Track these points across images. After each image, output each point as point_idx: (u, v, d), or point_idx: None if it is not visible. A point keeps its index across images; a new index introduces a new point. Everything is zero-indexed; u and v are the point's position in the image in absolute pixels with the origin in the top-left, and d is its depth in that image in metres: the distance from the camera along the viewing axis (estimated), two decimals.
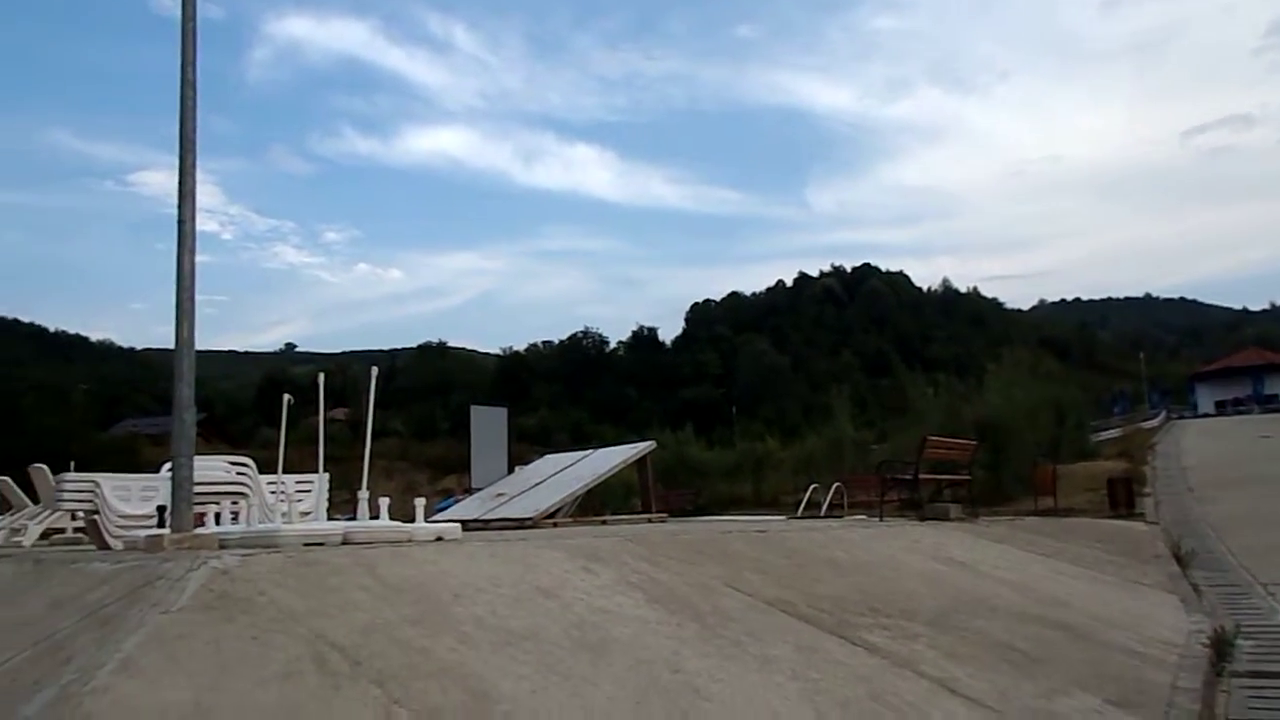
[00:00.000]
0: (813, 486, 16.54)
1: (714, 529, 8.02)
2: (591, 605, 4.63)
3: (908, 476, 11.40)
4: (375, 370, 6.83)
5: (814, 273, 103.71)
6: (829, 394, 33.34)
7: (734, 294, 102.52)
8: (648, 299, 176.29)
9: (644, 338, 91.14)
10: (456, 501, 16.10)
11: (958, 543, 8.77)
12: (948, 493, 12.69)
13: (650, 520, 11.83)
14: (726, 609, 5.02)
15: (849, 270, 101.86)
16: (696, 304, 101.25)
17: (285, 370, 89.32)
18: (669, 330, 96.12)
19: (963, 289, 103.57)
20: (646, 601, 4.86)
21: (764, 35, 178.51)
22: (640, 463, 13.36)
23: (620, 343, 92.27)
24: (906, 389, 26.01)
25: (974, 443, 12.97)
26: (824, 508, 14.88)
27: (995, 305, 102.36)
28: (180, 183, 5.27)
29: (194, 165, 5.26)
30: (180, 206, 5.26)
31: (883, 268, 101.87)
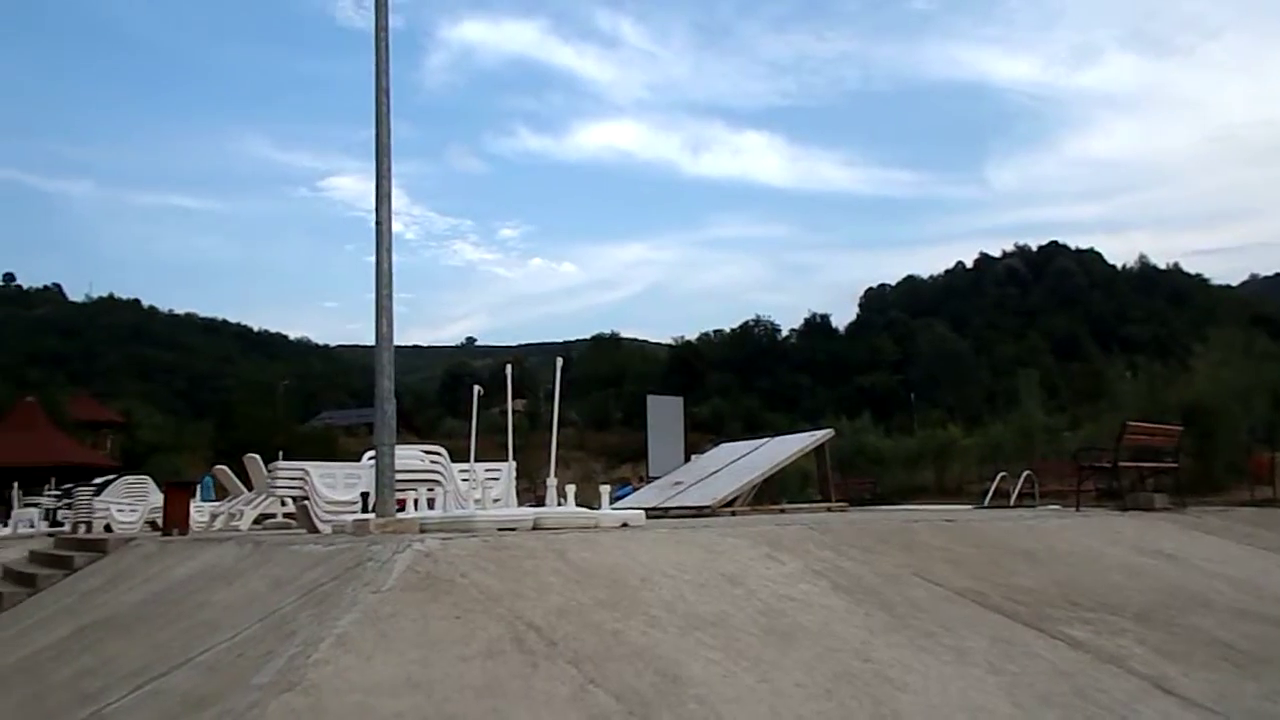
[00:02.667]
0: (1000, 475, 15.86)
1: (898, 518, 7.83)
2: (777, 593, 4.61)
3: (1106, 464, 10.76)
4: (560, 361, 7.03)
5: (996, 253, 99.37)
6: (1015, 379, 31.86)
7: (910, 278, 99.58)
8: (820, 285, 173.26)
9: (816, 324, 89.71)
10: (634, 490, 16.35)
11: (1165, 534, 8.22)
12: (1151, 481, 11.90)
13: (830, 509, 11.66)
14: (916, 599, 4.90)
15: (1034, 249, 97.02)
16: (871, 289, 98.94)
17: (466, 363, 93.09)
18: (842, 316, 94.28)
19: (1162, 265, 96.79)
20: (833, 590, 4.80)
21: (940, 8, 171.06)
22: (818, 451, 13.18)
23: (792, 330, 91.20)
24: (1101, 372, 24.51)
25: (1179, 428, 12.11)
26: (1013, 497, 14.26)
27: (1199, 282, 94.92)
28: (377, 186, 5.57)
29: (389, 169, 5.55)
30: (377, 209, 5.56)
31: (1071, 245, 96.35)
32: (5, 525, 18.50)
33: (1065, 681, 4.12)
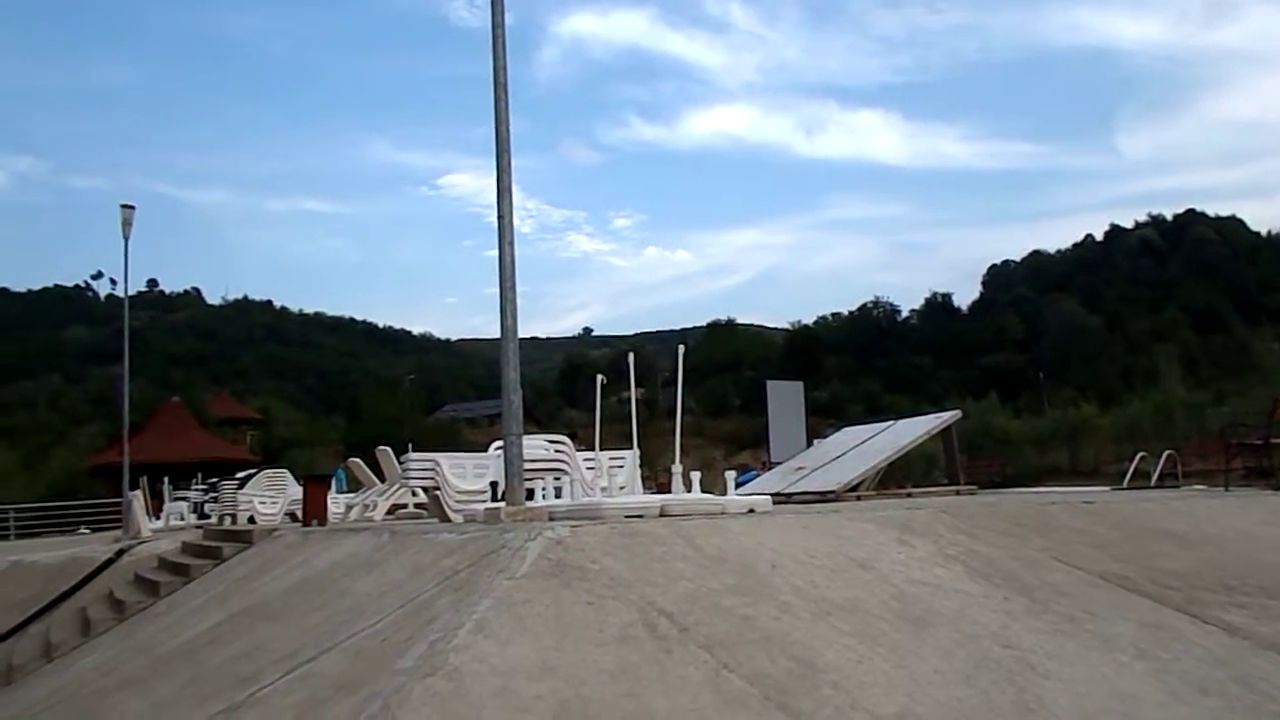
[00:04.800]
0: (1140, 455, 15.15)
1: (1033, 500, 7.57)
2: (910, 577, 4.52)
3: (1257, 441, 10.18)
4: (682, 349, 7.03)
5: (1128, 224, 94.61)
6: (1152, 354, 30.43)
7: (1036, 253, 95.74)
8: (940, 264, 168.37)
9: (937, 304, 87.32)
10: (757, 475, 16.26)
11: None
12: None
13: (958, 493, 11.36)
14: (1056, 583, 4.72)
15: (1169, 218, 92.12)
16: (994, 266, 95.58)
17: (584, 354, 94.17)
18: (964, 295, 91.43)
19: None
20: (968, 575, 4.67)
21: None
22: (944, 433, 12.85)
23: (912, 311, 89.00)
24: (1246, 344, 23.16)
25: None
26: (1154, 478, 13.60)
27: None
28: (498, 181, 5.67)
29: (509, 164, 5.64)
30: (499, 203, 5.65)
31: (1210, 212, 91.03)
32: (157, 518, 19.63)
33: (1223, 669, 3.91)
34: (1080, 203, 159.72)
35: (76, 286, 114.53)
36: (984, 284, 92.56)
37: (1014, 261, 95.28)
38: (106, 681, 5.83)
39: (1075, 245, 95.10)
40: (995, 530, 5.52)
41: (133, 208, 21.73)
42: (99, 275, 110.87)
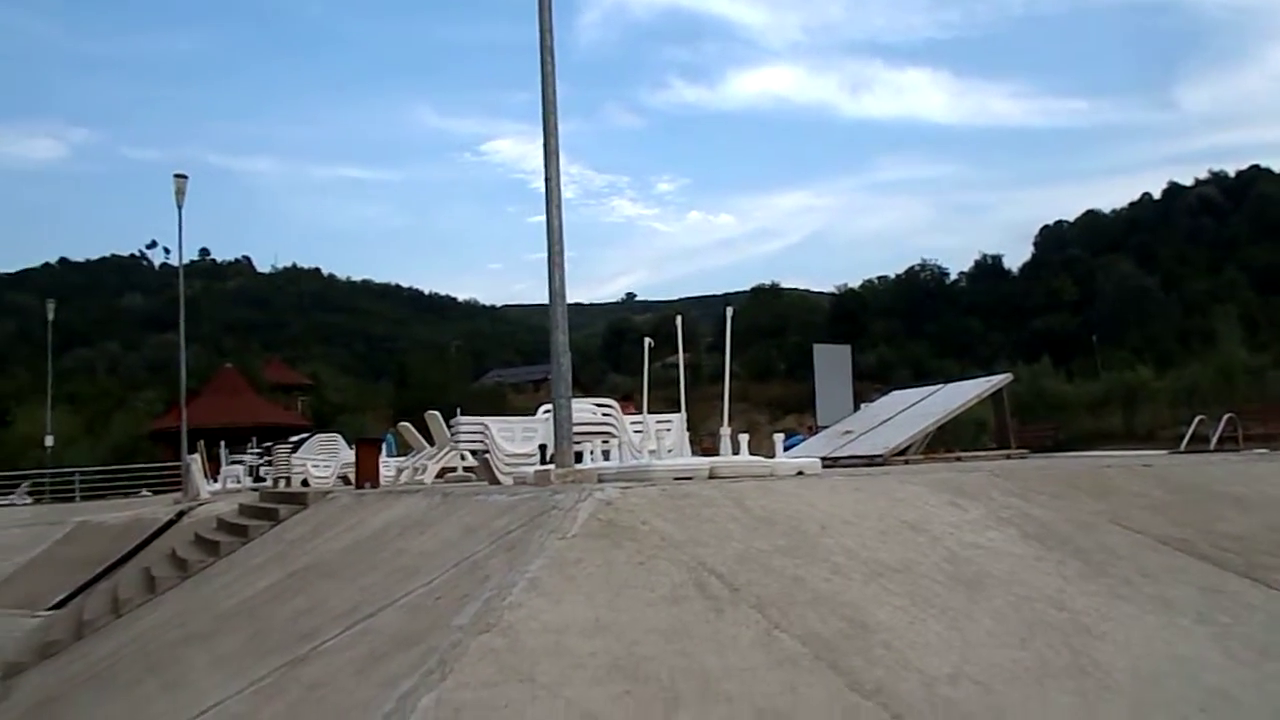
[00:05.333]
0: (1198, 418, 14.84)
1: (1088, 463, 7.46)
2: (962, 540, 4.49)
3: None
4: (730, 311, 7.01)
5: (1187, 181, 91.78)
6: (1210, 316, 29.71)
7: (1090, 213, 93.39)
8: (990, 225, 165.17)
9: (987, 266, 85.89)
10: (802, 440, 16.22)
11: None
12: None
13: (1009, 457, 11.23)
14: (1113, 546, 4.66)
15: (1231, 175, 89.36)
16: (1046, 226, 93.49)
17: (627, 319, 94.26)
18: (1015, 257, 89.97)
19: None
20: (1021, 537, 4.63)
21: None
22: (995, 397, 12.68)
23: (961, 273, 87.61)
24: None
25: None
26: (1213, 441, 13.33)
27: None
28: (545, 144, 5.65)
29: (556, 126, 5.62)
30: (546, 166, 5.65)
31: (1276, 169, 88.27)
32: (215, 481, 20.12)
33: None
34: (1137, 160, 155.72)
35: (132, 255, 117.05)
36: (1036, 245, 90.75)
37: (1067, 222, 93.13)
38: (173, 636, 6.01)
39: (1131, 204, 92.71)
40: (1049, 493, 5.45)
41: (185, 177, 22.10)
42: (153, 244, 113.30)
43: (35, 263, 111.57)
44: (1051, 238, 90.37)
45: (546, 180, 5.60)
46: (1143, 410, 28.97)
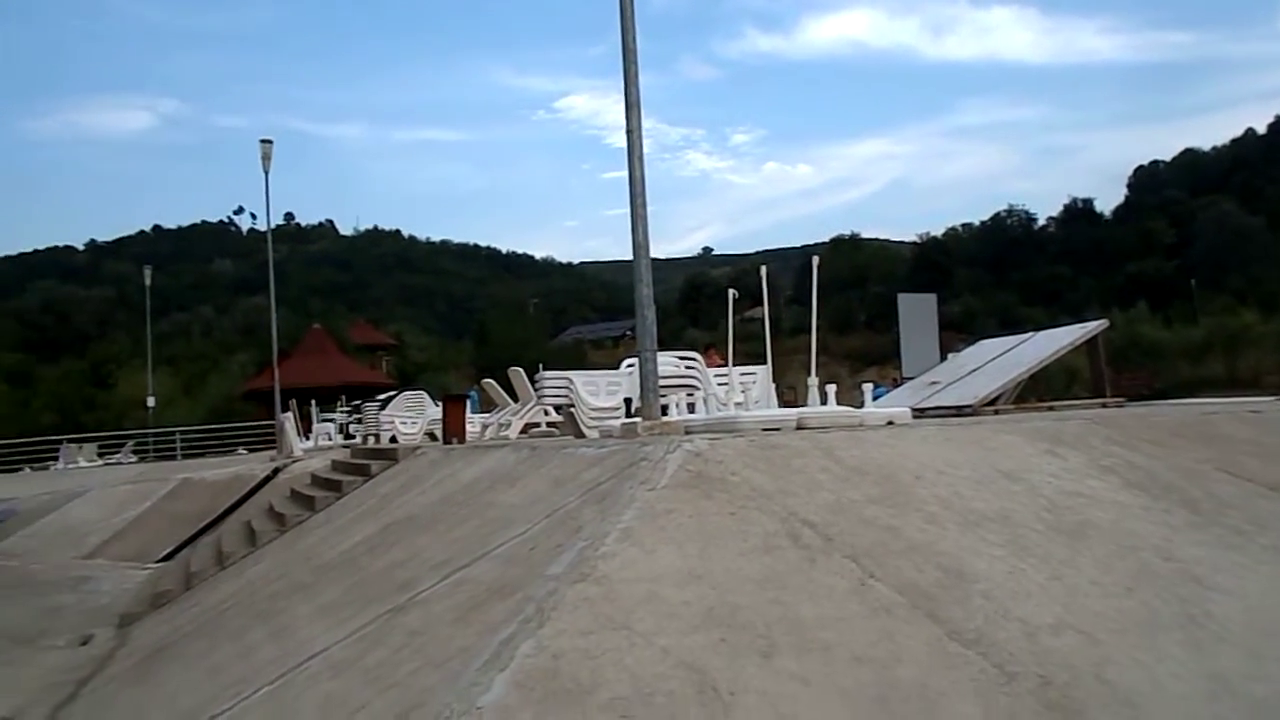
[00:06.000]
0: None
1: (1192, 411, 7.19)
2: (1061, 489, 4.37)
3: None
4: (816, 260, 6.89)
5: None
6: None
7: (1188, 151, 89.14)
8: (1080, 168, 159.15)
9: (1077, 211, 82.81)
10: (886, 392, 15.96)
11: None
12: None
13: (1105, 406, 10.89)
14: (1221, 495, 4.49)
15: None
16: (1141, 167, 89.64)
17: (704, 274, 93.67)
18: (1107, 200, 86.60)
19: None
20: (1124, 486, 4.49)
21: None
22: (1090, 344, 12.26)
23: (1050, 219, 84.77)
24: None
25: None
26: None
27: None
28: (625, 93, 5.58)
29: (636, 75, 5.54)
30: (628, 116, 5.59)
31: None
32: (307, 439, 20.72)
33: None
34: (1239, 94, 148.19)
35: (221, 222, 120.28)
36: (1129, 187, 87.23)
37: (1163, 162, 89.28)
38: (276, 587, 6.23)
39: (1234, 141, 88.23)
40: (1152, 441, 5.27)
41: (271, 142, 22.52)
42: (240, 210, 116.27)
43: (131, 230, 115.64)
44: (1146, 179, 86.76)
45: (629, 132, 5.54)
46: (1246, 356, 27.78)
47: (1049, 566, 3.61)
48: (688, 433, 5.27)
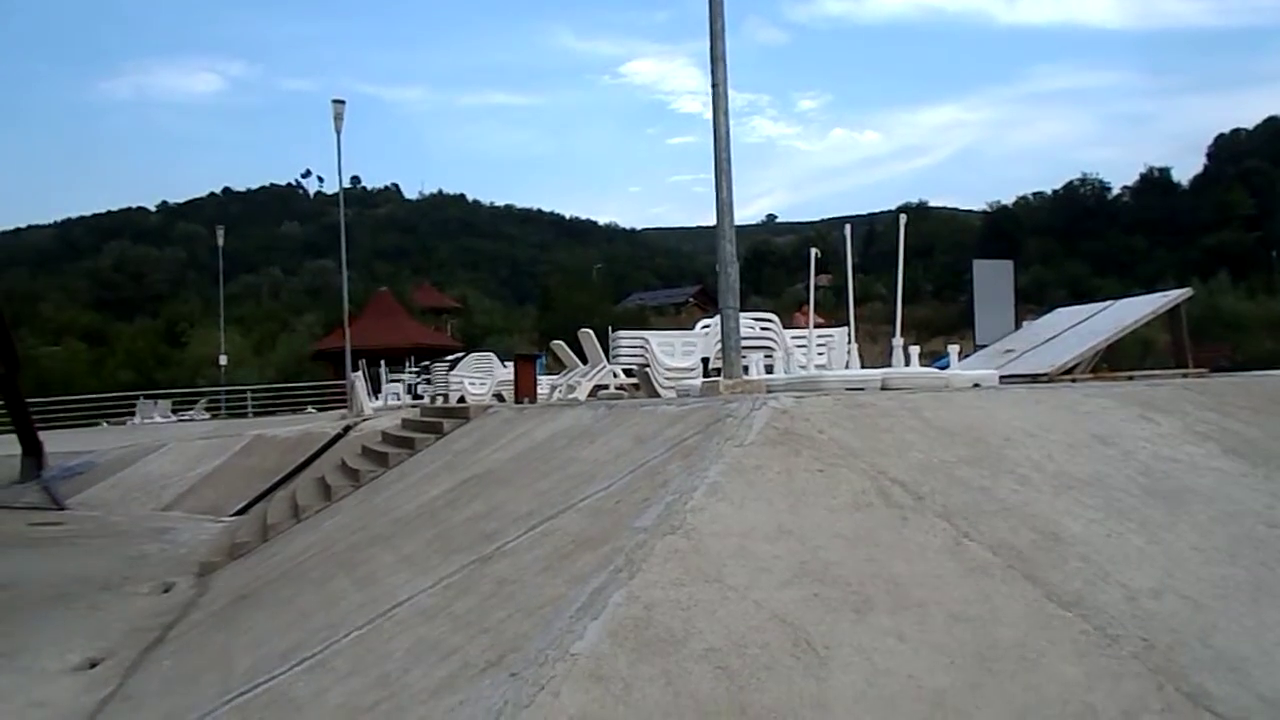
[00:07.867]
0: None
1: None
2: (1157, 454, 4.25)
3: None
4: (904, 219, 6.77)
5: None
6: None
7: (1271, 119, 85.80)
8: (1157, 136, 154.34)
9: (1154, 180, 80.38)
10: (948, 361, 15.72)
11: None
12: None
13: (1186, 377, 10.59)
14: None
15: None
16: (1222, 135, 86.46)
17: (768, 241, 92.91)
18: (1184, 170, 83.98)
19: None
20: (1222, 452, 4.36)
21: None
22: (1171, 314, 11.92)
23: (1125, 188, 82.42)
24: None
25: None
26: None
27: None
28: (711, 47, 5.51)
29: (723, 29, 5.46)
30: (713, 71, 5.51)
31: None
32: (376, 399, 21.09)
33: None
34: None
35: (289, 185, 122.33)
36: (1209, 156, 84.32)
37: (1245, 130, 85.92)
38: (356, 538, 6.36)
39: None
40: (1249, 407, 5.10)
41: (343, 102, 22.78)
42: (308, 174, 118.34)
43: (202, 193, 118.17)
44: (1227, 148, 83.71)
45: (714, 85, 5.46)
46: None
47: (1147, 531, 3.52)
48: (769, 391, 5.24)
